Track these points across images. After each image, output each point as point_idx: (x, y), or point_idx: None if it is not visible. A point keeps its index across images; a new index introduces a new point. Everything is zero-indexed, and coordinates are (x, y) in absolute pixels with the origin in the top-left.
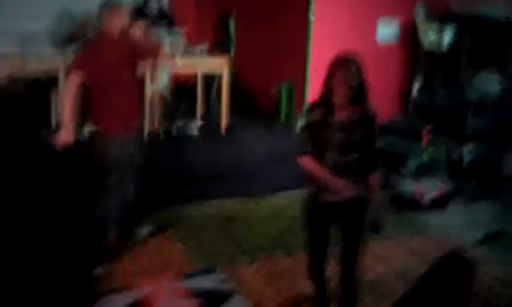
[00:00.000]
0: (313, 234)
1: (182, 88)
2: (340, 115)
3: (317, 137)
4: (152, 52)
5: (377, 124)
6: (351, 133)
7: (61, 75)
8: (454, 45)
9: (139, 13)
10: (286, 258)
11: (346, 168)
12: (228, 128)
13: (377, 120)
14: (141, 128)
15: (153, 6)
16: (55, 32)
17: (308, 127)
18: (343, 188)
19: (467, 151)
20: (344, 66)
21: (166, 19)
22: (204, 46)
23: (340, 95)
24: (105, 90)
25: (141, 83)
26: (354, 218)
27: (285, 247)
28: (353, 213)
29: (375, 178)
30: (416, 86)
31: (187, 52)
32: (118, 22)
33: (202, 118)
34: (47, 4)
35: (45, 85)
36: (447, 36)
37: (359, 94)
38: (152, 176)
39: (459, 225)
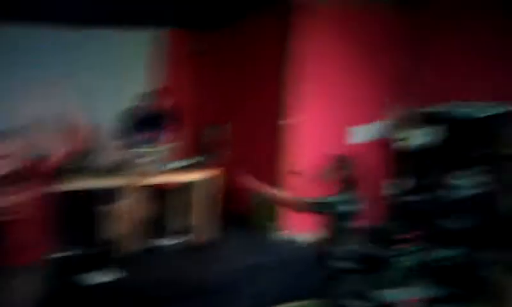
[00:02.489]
0: None
1: (161, 195)
2: None
3: None
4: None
5: None
6: None
7: None
8: (429, 145)
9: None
10: None
11: None
12: (210, 236)
13: None
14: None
15: (149, 109)
16: None
17: None
18: None
19: (448, 254)
20: None
21: (165, 122)
22: (189, 160)
23: None
24: None
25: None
26: None
27: None
28: None
29: None
30: (394, 187)
31: (167, 165)
32: None
33: (183, 228)
34: None
35: None
36: (422, 137)
37: None
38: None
39: None
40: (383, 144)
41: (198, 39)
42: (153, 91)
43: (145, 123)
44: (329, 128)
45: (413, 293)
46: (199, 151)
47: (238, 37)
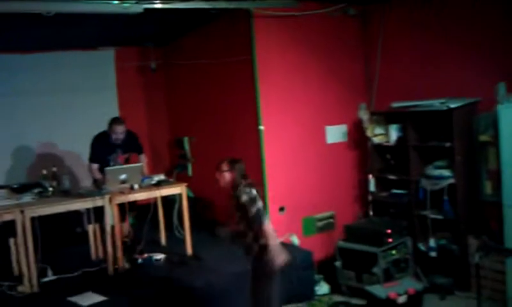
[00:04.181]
0: None
1: (144, 210)
2: None
3: None
4: None
5: None
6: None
7: (19, 224)
8: (402, 139)
9: (103, 142)
10: None
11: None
12: (194, 248)
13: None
14: None
15: (119, 134)
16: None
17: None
18: None
19: (432, 244)
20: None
21: (134, 144)
22: (161, 176)
23: None
24: None
25: None
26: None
27: None
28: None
29: None
30: (371, 182)
31: (144, 181)
32: None
33: (166, 241)
34: None
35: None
36: (393, 132)
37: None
38: None
39: None
40: (358, 142)
41: (149, 55)
42: (116, 116)
43: (114, 146)
44: (303, 131)
45: (403, 286)
46: (169, 165)
47: (191, 48)
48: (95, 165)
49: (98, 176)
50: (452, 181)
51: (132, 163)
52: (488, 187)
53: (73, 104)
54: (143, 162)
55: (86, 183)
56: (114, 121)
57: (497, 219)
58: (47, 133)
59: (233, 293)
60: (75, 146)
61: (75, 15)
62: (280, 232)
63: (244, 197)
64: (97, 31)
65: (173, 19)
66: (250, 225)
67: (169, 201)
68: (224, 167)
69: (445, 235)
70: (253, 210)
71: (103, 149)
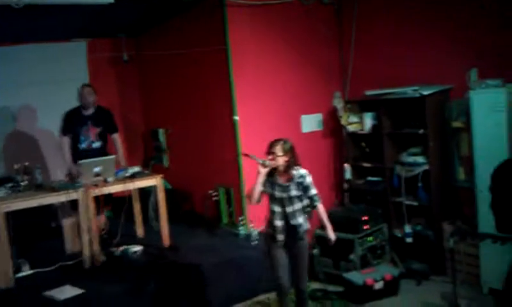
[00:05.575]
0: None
1: (120, 203)
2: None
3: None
4: None
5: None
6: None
7: None
8: (376, 126)
9: (75, 114)
10: None
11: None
12: (171, 240)
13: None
14: None
15: (88, 97)
16: None
17: None
18: None
19: (407, 230)
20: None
21: (107, 120)
22: (136, 168)
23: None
24: None
25: None
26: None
27: None
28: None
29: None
30: (347, 170)
31: (119, 173)
32: None
33: (142, 234)
34: None
35: None
36: (368, 120)
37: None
38: None
39: None
40: (333, 130)
41: (122, 46)
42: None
43: (85, 118)
44: (279, 120)
45: (380, 272)
46: (144, 156)
47: (164, 39)
48: (66, 138)
49: (68, 153)
50: (426, 167)
51: (107, 142)
52: (461, 173)
53: (46, 96)
54: (117, 141)
55: (59, 174)
56: (83, 85)
57: (470, 204)
58: (20, 125)
59: (211, 284)
60: (50, 137)
61: (46, 7)
62: (259, 223)
63: (310, 179)
64: (69, 23)
65: (145, 9)
66: (309, 203)
67: (146, 193)
68: (279, 151)
69: (420, 221)
70: (315, 191)
71: (74, 122)
